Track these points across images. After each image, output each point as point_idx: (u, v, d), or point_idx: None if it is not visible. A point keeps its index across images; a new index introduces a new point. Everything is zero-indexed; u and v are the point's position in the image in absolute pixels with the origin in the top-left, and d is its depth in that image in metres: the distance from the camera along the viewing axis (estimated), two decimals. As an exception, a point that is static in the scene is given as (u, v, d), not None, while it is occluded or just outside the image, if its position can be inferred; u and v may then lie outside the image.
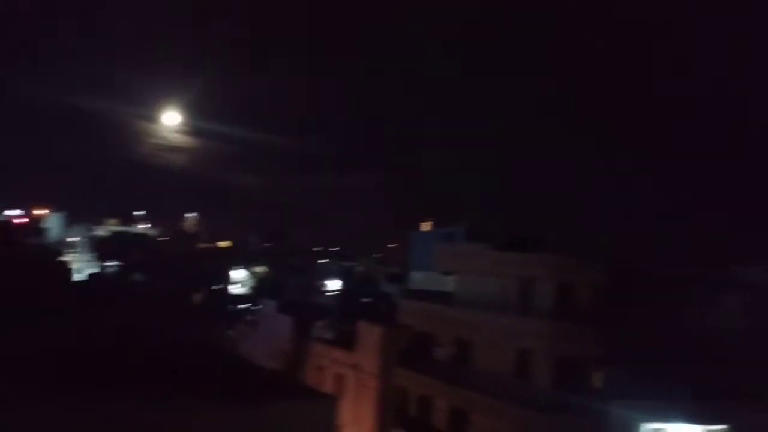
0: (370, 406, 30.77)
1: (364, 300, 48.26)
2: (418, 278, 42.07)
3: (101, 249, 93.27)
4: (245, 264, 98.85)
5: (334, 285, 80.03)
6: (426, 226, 60.36)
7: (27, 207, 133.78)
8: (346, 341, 33.85)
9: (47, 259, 29.19)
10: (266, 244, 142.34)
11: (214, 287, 74.74)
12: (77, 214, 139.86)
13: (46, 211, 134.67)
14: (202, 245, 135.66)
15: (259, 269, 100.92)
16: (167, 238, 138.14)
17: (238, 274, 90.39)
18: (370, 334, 31.84)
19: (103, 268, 79.67)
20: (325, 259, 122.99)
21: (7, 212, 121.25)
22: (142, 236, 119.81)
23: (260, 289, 75.76)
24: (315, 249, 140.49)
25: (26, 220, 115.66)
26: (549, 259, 25.90)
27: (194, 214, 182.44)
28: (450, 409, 26.81)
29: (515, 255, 27.31)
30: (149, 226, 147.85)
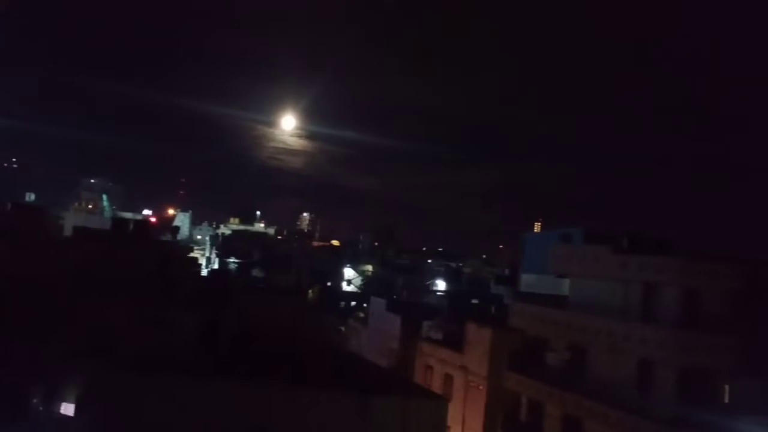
0: (478, 408, 30.53)
1: (473, 301, 47.77)
2: (530, 280, 41.05)
3: (224, 246, 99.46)
4: (354, 262, 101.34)
5: (442, 285, 79.97)
6: (538, 227, 58.75)
7: (157, 207, 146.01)
8: (454, 342, 33.80)
9: (179, 255, 31.68)
10: (375, 243, 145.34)
11: (327, 284, 77.35)
12: (203, 214, 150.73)
13: (175, 211, 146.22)
14: (316, 243, 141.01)
15: (367, 268, 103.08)
16: (283, 237, 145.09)
17: (348, 272, 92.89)
18: (479, 335, 31.58)
19: (225, 264, 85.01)
20: (432, 258, 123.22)
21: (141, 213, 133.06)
22: (261, 234, 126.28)
23: (369, 288, 77.38)
24: (423, 249, 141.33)
25: (155, 219, 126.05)
26: (675, 262, 24.26)
27: (308, 214, 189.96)
28: (563, 417, 25.96)
29: (637, 258, 25.85)
30: (266, 225, 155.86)
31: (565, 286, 30.90)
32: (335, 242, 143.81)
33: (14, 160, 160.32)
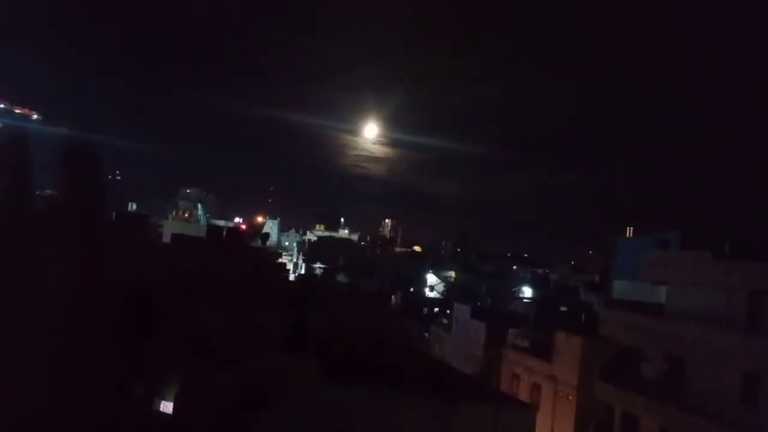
0: (568, 419, 29.52)
1: (562, 309, 46.28)
2: (622, 287, 39.31)
3: (310, 252, 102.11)
4: (437, 268, 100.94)
5: (528, 292, 78.06)
6: (629, 233, 56.20)
7: (248, 215, 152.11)
8: (542, 351, 32.89)
9: (270, 260, 32.83)
10: (458, 249, 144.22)
11: (410, 290, 77.50)
12: (290, 221, 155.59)
13: (264, 219, 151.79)
14: (398, 249, 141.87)
15: (450, 274, 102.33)
16: (367, 243, 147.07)
17: (431, 278, 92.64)
18: (569, 344, 30.56)
19: (311, 269, 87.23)
20: (517, 265, 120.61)
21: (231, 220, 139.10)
22: (345, 241, 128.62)
23: (452, 294, 76.77)
24: (507, 255, 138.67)
25: (246, 226, 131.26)
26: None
27: (390, 220, 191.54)
28: (660, 431, 24.59)
29: (741, 264, 24.12)
30: (350, 231, 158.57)
31: (661, 294, 29.36)
32: (417, 248, 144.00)
33: (117, 172, 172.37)
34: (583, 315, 37.19)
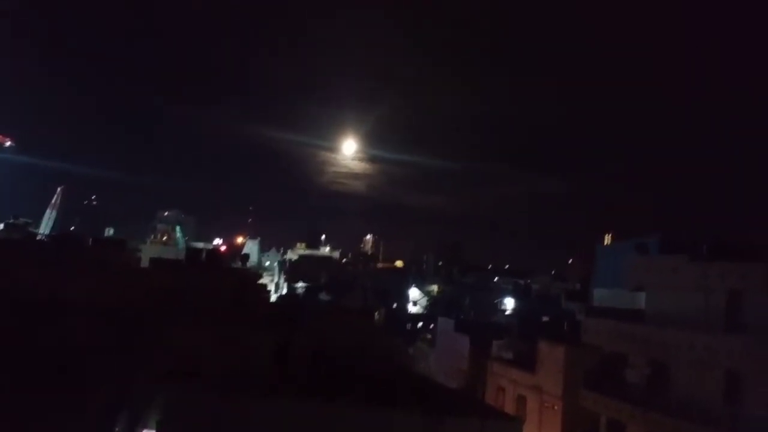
0: (554, 429, 29.52)
1: (544, 318, 46.51)
2: (602, 295, 39.64)
3: (291, 271, 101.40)
4: (419, 282, 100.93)
5: (510, 303, 78.38)
6: (608, 239, 56.85)
7: (227, 236, 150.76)
8: (526, 361, 32.97)
9: (250, 282, 32.56)
10: (440, 262, 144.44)
11: (393, 306, 77.29)
12: (270, 240, 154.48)
13: (244, 239, 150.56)
14: (380, 265, 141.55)
15: (433, 288, 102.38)
16: (348, 259, 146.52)
17: (413, 293, 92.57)
18: (552, 354, 30.68)
19: (293, 288, 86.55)
20: (499, 276, 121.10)
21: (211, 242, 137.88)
22: (326, 258, 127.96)
23: (436, 308, 76.77)
24: (489, 266, 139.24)
25: (225, 248, 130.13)
26: (761, 268, 22.87)
27: (372, 236, 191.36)
28: (646, 437, 24.71)
29: (719, 265, 24.52)
30: (331, 248, 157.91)
31: (640, 300, 29.68)
32: (399, 263, 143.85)
33: (93, 197, 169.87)
34: (565, 324, 37.47)
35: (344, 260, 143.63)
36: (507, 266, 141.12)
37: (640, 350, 26.74)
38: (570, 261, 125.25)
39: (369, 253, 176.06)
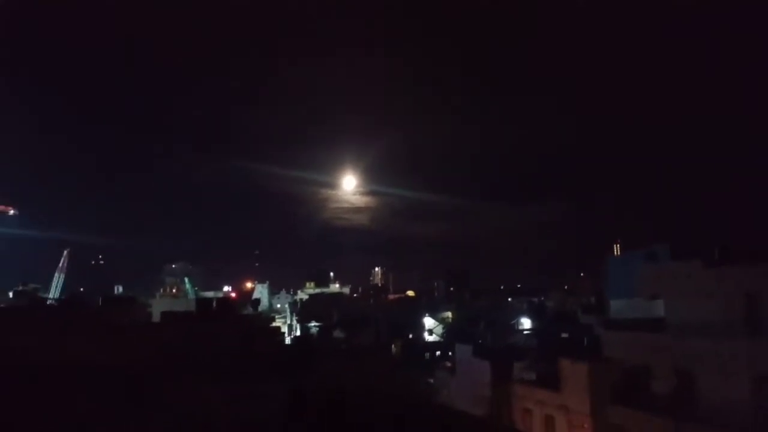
0: (586, 448, 28.74)
1: (563, 335, 45.80)
2: (618, 306, 39.09)
3: (303, 312, 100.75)
4: (433, 311, 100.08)
5: (527, 323, 77.42)
6: (617, 250, 56.41)
7: (236, 282, 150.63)
8: (549, 381, 32.30)
9: (262, 326, 32.21)
10: (451, 289, 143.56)
11: (409, 336, 76.43)
12: (280, 282, 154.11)
13: (253, 284, 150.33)
14: (391, 296, 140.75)
15: (446, 315, 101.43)
16: (359, 294, 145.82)
17: (428, 322, 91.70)
18: (575, 371, 30.04)
19: (306, 329, 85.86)
20: (512, 297, 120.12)
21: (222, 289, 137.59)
22: (337, 295, 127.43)
23: (451, 335, 75.88)
24: (501, 287, 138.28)
25: (235, 294, 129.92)
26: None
27: (380, 268, 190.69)
28: (680, 449, 23.98)
29: (734, 269, 24.11)
30: (341, 284, 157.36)
31: (658, 308, 29.18)
32: (410, 293, 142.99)
33: (100, 257, 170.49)
34: (585, 339, 36.85)
35: (355, 295, 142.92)
36: (519, 286, 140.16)
37: (664, 360, 26.15)
38: (581, 275, 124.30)
39: (379, 285, 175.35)
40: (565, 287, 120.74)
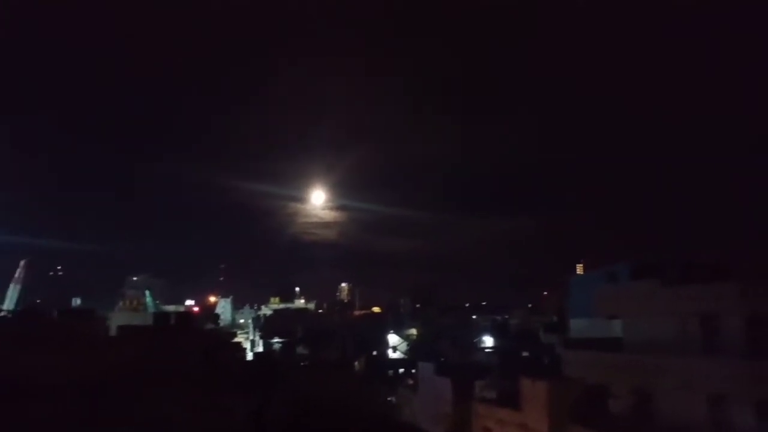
0: (547, 467, 28.91)
1: (524, 354, 46.25)
2: (579, 325, 39.68)
3: (266, 327, 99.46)
4: (398, 328, 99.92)
5: (489, 341, 77.92)
6: (580, 269, 57.44)
7: (200, 296, 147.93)
8: (510, 400, 32.49)
9: (223, 341, 31.68)
10: (416, 305, 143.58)
11: (373, 353, 76.09)
12: (244, 297, 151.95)
13: (217, 298, 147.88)
14: (357, 312, 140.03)
15: (411, 332, 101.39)
16: (324, 310, 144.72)
17: (392, 339, 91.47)
18: (535, 390, 30.28)
19: (269, 344, 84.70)
20: (477, 314, 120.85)
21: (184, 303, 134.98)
22: (302, 311, 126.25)
23: (415, 352, 75.83)
24: (465, 305, 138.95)
25: (198, 309, 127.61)
26: (734, 288, 23.09)
27: (347, 284, 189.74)
28: (637, 468, 24.35)
29: (691, 288, 24.72)
30: (306, 300, 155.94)
31: (618, 328, 29.72)
32: (376, 309, 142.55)
33: (59, 268, 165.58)
34: (546, 358, 37.25)
35: (320, 311, 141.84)
36: (484, 303, 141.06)
37: (622, 379, 26.60)
38: (545, 293, 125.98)
39: (345, 301, 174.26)
40: (529, 305, 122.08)
